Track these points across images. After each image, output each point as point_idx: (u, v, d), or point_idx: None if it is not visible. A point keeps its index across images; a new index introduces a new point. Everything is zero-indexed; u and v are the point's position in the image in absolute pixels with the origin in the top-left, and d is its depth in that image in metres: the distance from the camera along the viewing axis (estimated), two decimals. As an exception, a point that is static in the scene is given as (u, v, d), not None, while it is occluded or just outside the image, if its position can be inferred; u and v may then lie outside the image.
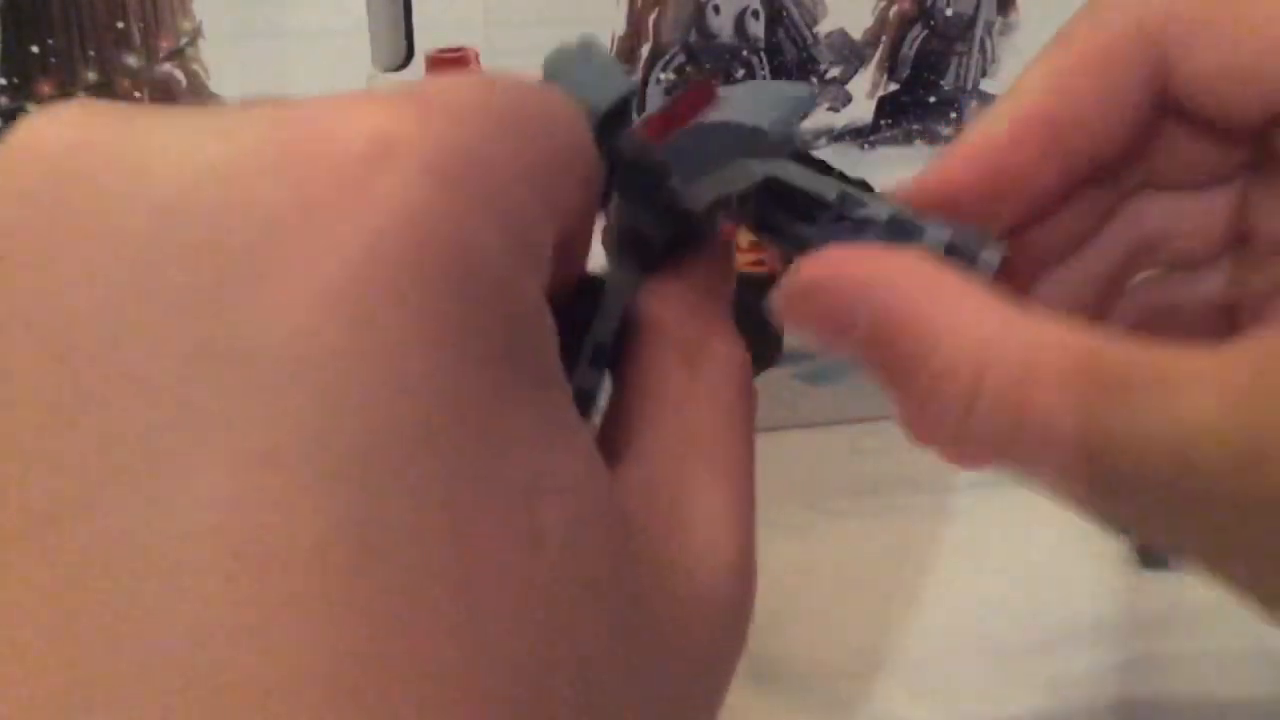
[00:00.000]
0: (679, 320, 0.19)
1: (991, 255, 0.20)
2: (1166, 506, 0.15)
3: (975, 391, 0.16)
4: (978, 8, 0.42)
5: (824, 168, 0.22)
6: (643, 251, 0.21)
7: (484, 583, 0.12)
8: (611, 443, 0.17)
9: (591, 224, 0.18)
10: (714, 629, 0.16)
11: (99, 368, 0.12)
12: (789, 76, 0.41)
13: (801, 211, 0.21)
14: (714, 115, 0.21)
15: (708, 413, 0.18)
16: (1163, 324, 0.23)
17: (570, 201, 0.16)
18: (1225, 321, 0.22)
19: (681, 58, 0.40)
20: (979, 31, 0.42)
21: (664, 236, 0.21)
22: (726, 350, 0.19)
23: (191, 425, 0.12)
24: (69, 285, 0.12)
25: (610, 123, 0.20)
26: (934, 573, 0.35)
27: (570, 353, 0.18)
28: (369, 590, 0.11)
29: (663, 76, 0.40)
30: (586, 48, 0.20)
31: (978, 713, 0.31)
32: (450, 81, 0.14)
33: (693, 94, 0.21)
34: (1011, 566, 0.30)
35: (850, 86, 0.42)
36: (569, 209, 0.16)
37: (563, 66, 0.20)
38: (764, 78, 0.41)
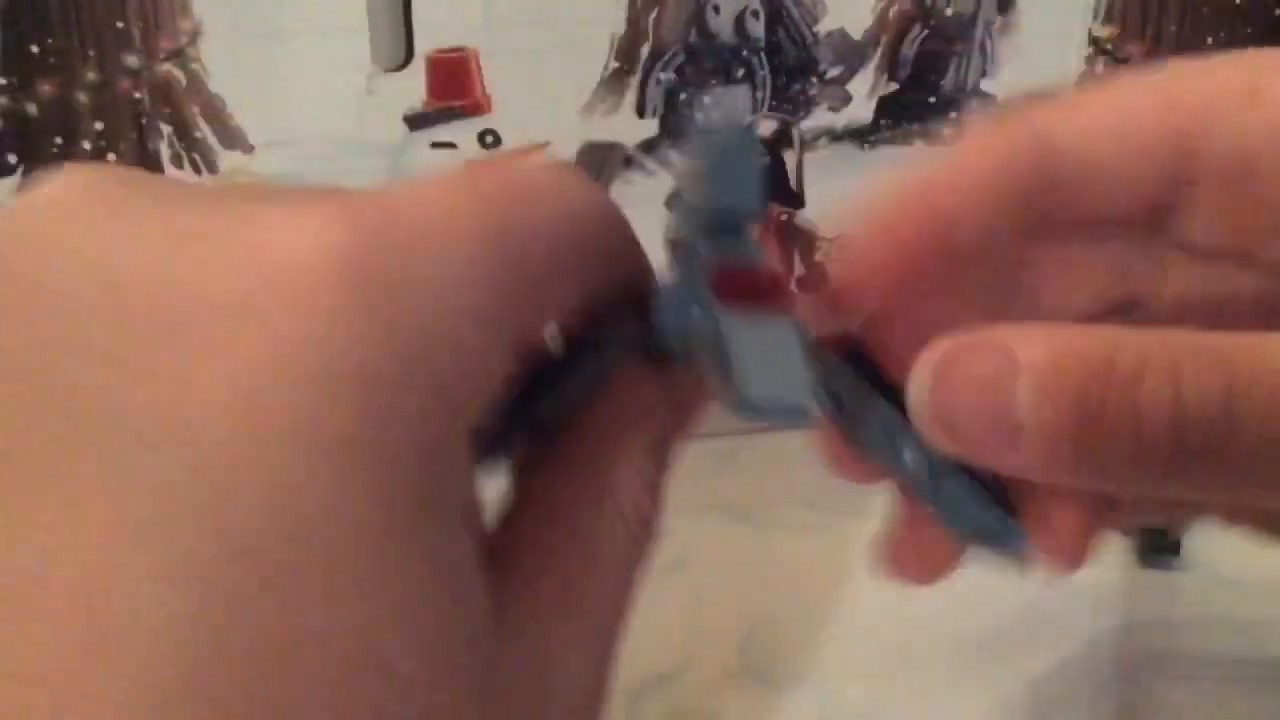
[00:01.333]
0: (625, 451, 0.18)
1: (1018, 546, 0.20)
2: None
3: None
4: (978, 8, 0.42)
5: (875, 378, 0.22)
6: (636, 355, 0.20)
7: (317, 704, 0.12)
8: (508, 533, 0.16)
9: (590, 298, 0.18)
10: None
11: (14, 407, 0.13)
12: (789, 76, 0.41)
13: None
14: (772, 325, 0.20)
15: (603, 577, 0.17)
16: None
17: (551, 305, 0.16)
18: None
19: (681, 57, 0.40)
20: (979, 31, 0.42)
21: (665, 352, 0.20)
22: (651, 514, 0.18)
23: (73, 478, 0.12)
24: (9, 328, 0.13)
25: (717, 229, 0.20)
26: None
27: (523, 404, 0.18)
28: (197, 691, 0.12)
29: (663, 76, 0.40)
30: (745, 144, 0.21)
31: (980, 711, 0.31)
32: (424, 194, 0.15)
33: (770, 284, 0.20)
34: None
35: (850, 86, 0.42)
36: (541, 317, 0.16)
37: (714, 147, 0.20)
38: (764, 78, 0.41)
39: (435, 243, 0.14)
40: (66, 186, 0.14)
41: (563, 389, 0.19)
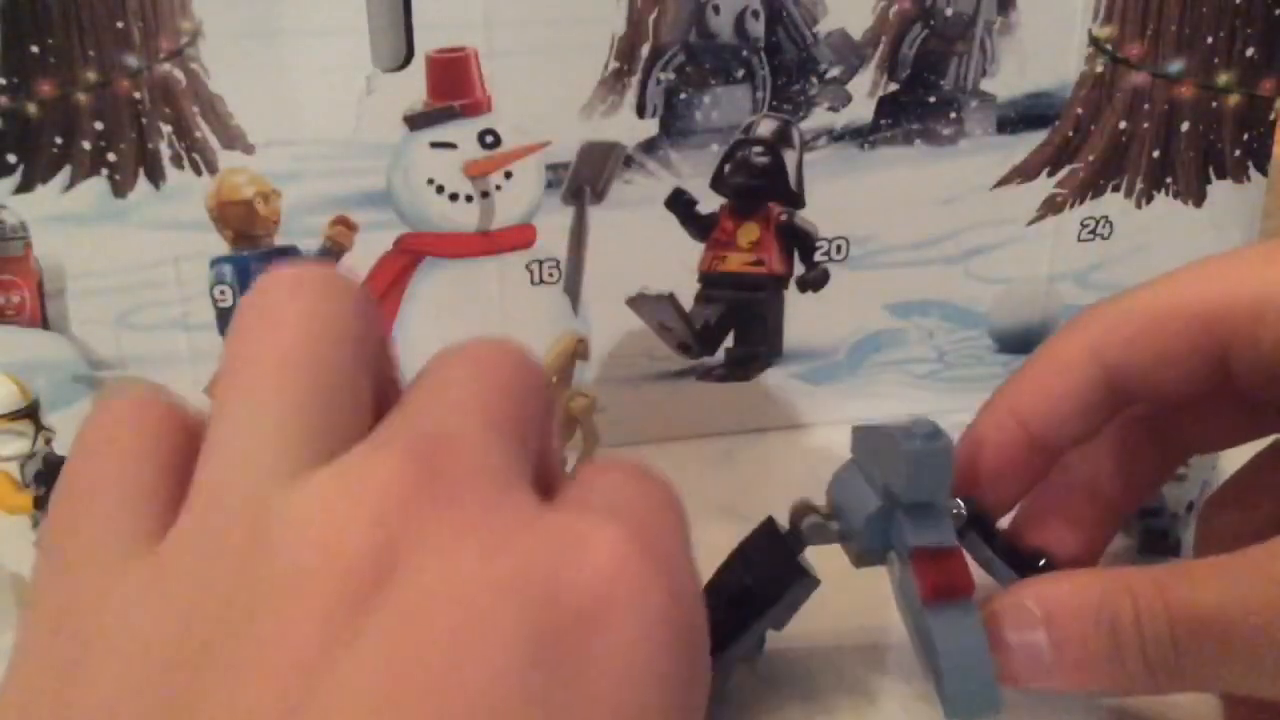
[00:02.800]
0: None
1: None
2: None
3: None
4: (978, 8, 0.42)
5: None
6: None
7: None
8: None
9: None
10: None
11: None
12: (789, 76, 0.41)
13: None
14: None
15: None
16: None
17: None
18: None
19: (681, 57, 0.40)
20: (979, 31, 0.42)
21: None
22: None
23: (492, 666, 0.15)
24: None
25: (918, 515, 0.27)
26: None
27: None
28: None
29: (662, 76, 0.40)
30: (945, 453, 0.26)
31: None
32: (661, 524, 0.18)
33: (959, 563, 0.27)
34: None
35: (850, 86, 0.42)
36: None
37: (920, 456, 0.26)
38: (764, 78, 0.41)
39: (672, 544, 0.18)
40: (377, 480, 0.16)
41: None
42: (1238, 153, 0.45)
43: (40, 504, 0.34)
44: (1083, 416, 0.29)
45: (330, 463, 0.16)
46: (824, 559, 0.30)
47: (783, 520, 0.30)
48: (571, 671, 0.15)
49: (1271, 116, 0.45)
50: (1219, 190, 0.46)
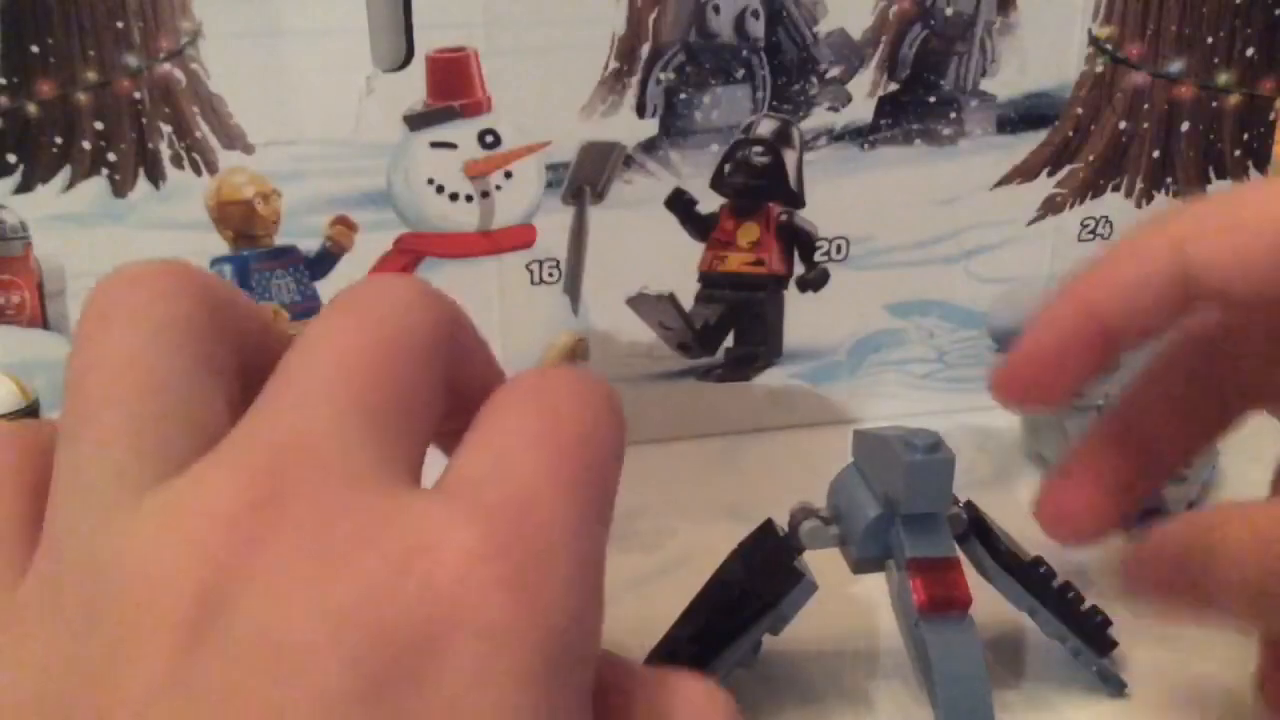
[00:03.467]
0: None
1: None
2: None
3: None
4: (978, 8, 0.42)
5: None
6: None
7: None
8: None
9: None
10: None
11: None
12: (789, 76, 0.41)
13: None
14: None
15: None
16: None
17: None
18: None
19: (681, 57, 0.40)
20: (979, 31, 0.42)
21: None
22: None
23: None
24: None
25: (917, 525, 0.27)
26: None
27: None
28: None
29: (662, 76, 0.40)
30: (947, 464, 0.27)
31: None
32: (553, 499, 0.16)
33: (957, 575, 0.28)
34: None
35: (850, 86, 0.42)
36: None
37: (921, 466, 0.26)
38: (764, 78, 0.41)
39: (559, 529, 0.16)
40: (224, 499, 0.15)
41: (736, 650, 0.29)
42: (1238, 153, 0.45)
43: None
44: (1155, 307, 0.27)
45: (163, 485, 0.15)
46: (822, 562, 0.30)
47: (782, 522, 0.30)
48: (404, 716, 0.14)
49: (1271, 116, 0.45)
50: (1219, 190, 0.46)
